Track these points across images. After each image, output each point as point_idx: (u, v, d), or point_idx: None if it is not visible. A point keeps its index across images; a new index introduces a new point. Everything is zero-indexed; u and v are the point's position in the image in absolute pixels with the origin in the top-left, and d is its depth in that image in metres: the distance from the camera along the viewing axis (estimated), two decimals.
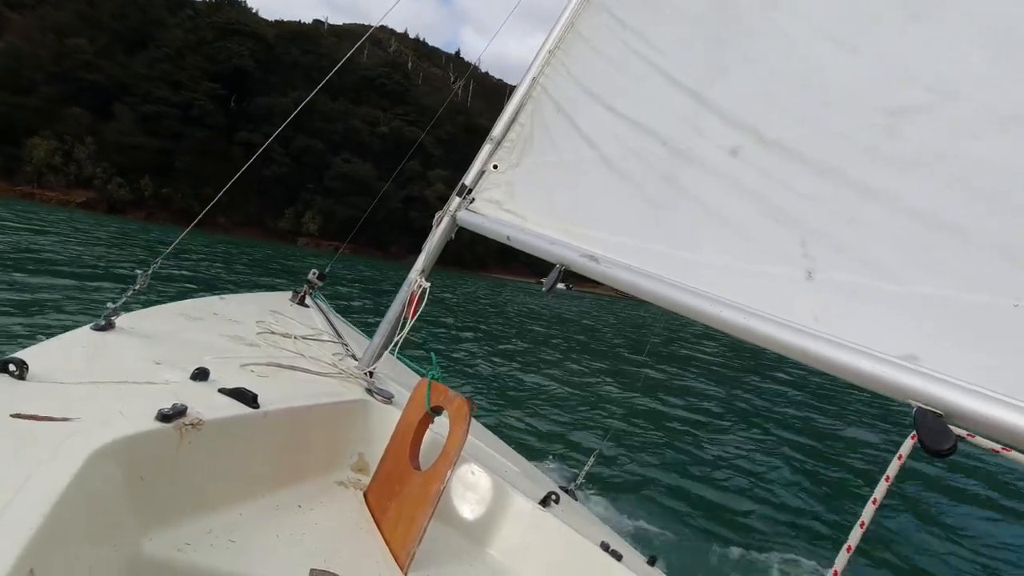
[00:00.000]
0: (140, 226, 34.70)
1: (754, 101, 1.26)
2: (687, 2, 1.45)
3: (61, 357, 1.08)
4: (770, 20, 1.27)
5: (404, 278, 1.68)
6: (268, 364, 1.44)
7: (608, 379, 9.09)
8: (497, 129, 1.74)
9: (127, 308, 1.43)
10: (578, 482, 1.78)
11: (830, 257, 1.00)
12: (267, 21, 68.54)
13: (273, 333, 1.84)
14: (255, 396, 1.11)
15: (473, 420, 2.30)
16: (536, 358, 10.19)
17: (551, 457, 5.00)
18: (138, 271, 1.51)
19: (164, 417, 0.90)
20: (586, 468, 1.87)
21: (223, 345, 1.53)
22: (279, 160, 54.63)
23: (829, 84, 1.16)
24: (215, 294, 2.28)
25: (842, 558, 0.76)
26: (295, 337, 1.88)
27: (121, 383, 1.01)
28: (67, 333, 1.24)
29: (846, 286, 0.97)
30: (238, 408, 1.07)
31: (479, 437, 1.63)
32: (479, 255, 62.07)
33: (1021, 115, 0.89)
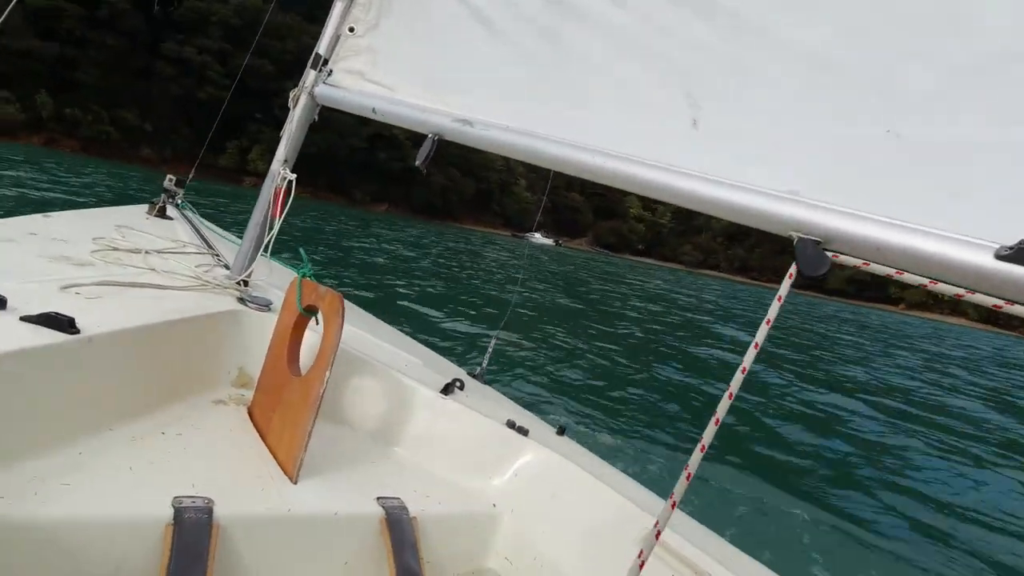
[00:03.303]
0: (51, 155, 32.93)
1: None
2: None
3: None
4: None
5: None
6: (99, 283, 1.37)
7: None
8: None
9: None
10: (485, 365, 1.88)
11: (714, 103, 1.10)
12: None
13: (116, 250, 1.79)
14: (72, 320, 1.07)
15: (369, 315, 2.34)
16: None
17: (461, 345, 6.07)
18: None
19: None
20: (490, 350, 1.98)
21: (37, 267, 1.44)
22: (217, 81, 52.10)
23: None
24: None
25: (724, 404, 0.85)
26: (146, 252, 1.83)
27: None
28: None
29: (730, 132, 1.07)
30: (48, 336, 1.02)
31: (375, 331, 1.77)
32: (451, 204, 61.57)
33: None
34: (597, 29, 1.27)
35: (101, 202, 14.43)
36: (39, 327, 1.04)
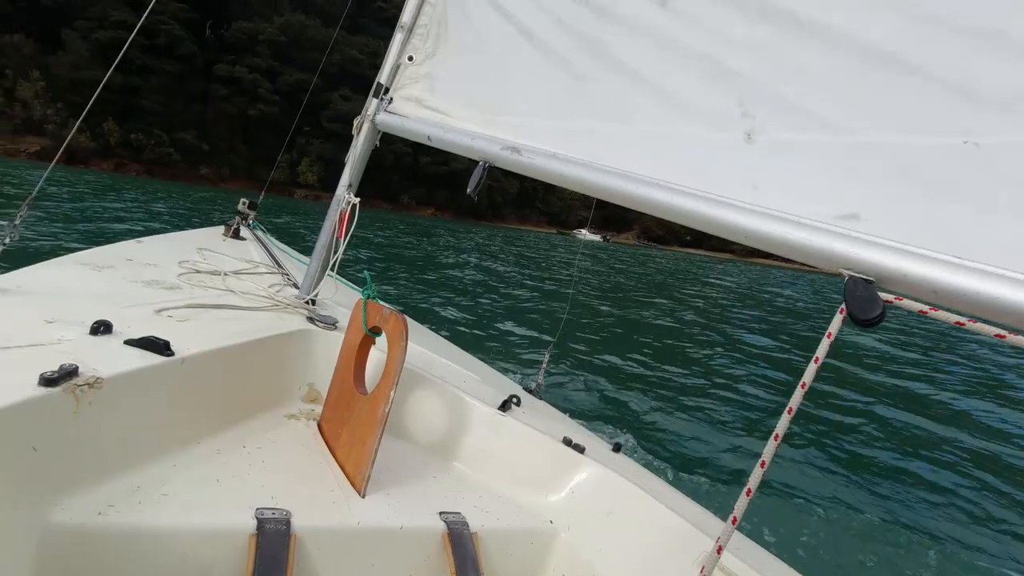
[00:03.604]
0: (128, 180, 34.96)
1: None
2: None
3: None
4: None
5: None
6: (187, 307, 1.50)
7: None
8: (407, 14, 1.73)
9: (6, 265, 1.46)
10: (540, 380, 1.92)
11: (771, 113, 1.03)
12: None
13: (199, 272, 1.93)
14: (167, 343, 1.17)
15: (428, 330, 2.48)
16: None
17: (516, 358, 6.05)
18: (1, 222, 1.52)
19: (48, 381, 0.92)
20: (544, 365, 2.02)
21: (135, 293, 1.56)
22: (266, 98, 54.44)
23: None
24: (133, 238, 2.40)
25: (784, 420, 0.83)
26: (224, 274, 1.97)
27: (1, 349, 1.02)
28: None
29: (788, 144, 1.00)
30: (149, 359, 1.12)
31: (434, 348, 1.83)
32: (496, 204, 61.81)
33: None
34: (644, 36, 1.25)
35: (180, 222, 15.58)
36: (141, 350, 1.14)
